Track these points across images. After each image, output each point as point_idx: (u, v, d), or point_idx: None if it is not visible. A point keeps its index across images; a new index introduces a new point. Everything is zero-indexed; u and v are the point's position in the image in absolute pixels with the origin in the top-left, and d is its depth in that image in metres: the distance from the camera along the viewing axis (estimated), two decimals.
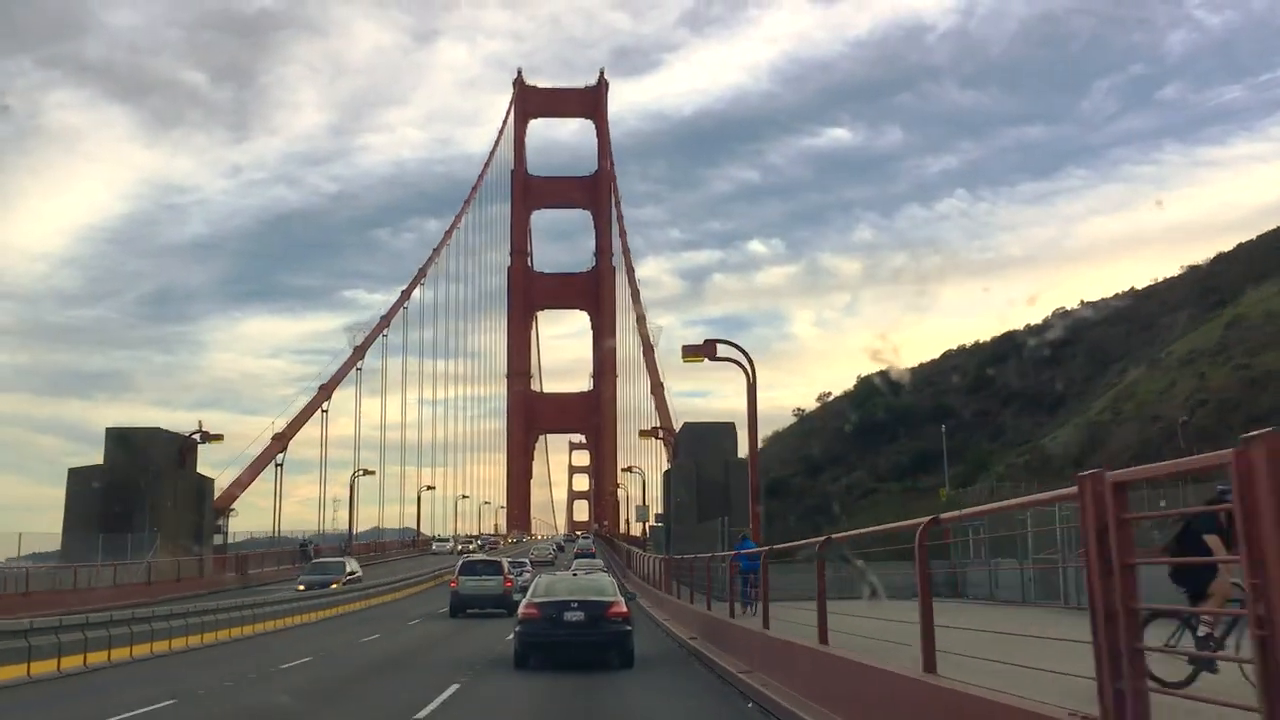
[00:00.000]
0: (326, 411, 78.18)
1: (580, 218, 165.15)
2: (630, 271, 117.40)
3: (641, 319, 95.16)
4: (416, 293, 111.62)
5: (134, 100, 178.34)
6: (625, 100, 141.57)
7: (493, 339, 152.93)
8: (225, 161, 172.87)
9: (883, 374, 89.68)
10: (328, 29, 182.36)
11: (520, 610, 19.18)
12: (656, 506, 60.01)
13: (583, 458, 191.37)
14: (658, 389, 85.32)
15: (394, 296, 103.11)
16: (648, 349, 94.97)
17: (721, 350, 28.63)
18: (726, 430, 53.94)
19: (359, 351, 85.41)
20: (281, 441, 72.54)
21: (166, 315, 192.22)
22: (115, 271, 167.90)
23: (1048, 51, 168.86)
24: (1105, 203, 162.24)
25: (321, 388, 79.89)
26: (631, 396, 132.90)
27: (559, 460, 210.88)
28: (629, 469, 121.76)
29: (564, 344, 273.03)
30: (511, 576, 36.71)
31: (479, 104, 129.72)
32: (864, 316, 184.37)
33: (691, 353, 28.64)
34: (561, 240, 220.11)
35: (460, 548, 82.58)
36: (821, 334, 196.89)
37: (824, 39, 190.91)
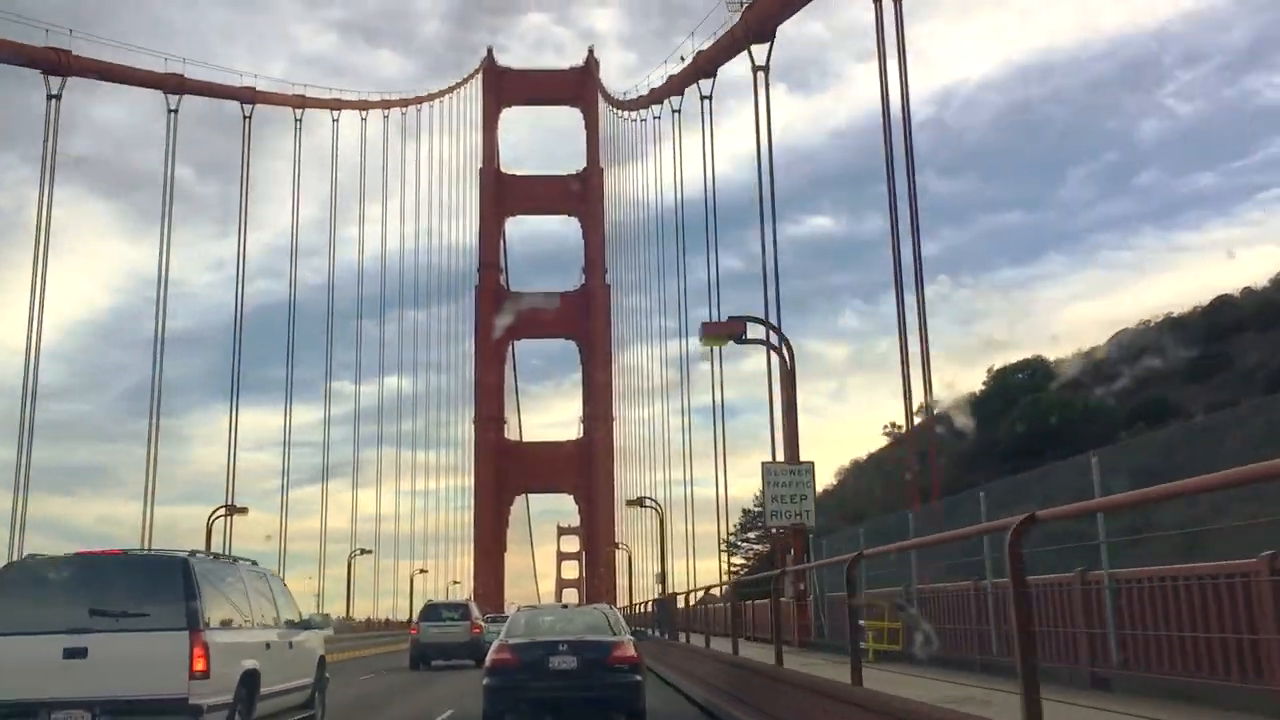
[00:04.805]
0: None
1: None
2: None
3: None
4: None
5: (120, 195, 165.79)
6: (610, 188, 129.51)
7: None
8: (210, 255, 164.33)
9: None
10: (315, 124, 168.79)
11: (491, 656, 14.02)
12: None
13: (571, 543, 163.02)
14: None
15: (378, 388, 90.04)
16: None
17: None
18: None
19: None
20: None
21: (156, 409, 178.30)
22: (100, 365, 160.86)
23: (1023, 140, 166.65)
24: (1087, 288, 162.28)
25: None
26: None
27: (546, 552, 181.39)
28: (616, 546, 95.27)
29: (549, 433, 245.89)
30: (481, 622, 32.64)
31: (464, 196, 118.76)
32: (852, 404, 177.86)
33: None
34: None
35: None
36: (809, 420, 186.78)
37: (803, 129, 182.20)
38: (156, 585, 10.49)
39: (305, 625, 13.70)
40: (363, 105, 79.07)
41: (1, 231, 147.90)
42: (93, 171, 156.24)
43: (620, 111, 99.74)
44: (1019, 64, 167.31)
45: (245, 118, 57.04)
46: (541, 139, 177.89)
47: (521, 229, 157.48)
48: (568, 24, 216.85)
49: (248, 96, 59.58)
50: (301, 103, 67.19)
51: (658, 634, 29.36)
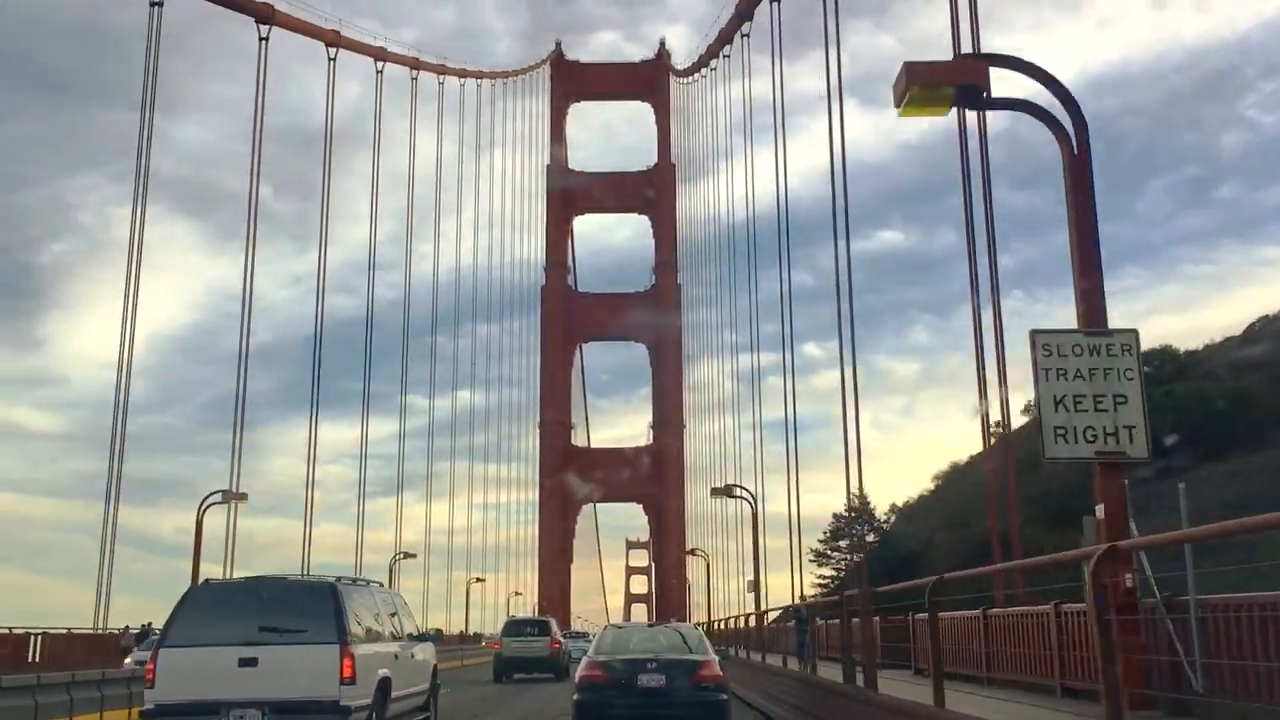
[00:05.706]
0: None
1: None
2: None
3: None
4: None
5: (200, 213, 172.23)
6: (680, 206, 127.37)
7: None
8: (287, 271, 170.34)
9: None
10: (387, 142, 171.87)
11: (580, 672, 14.66)
12: None
13: (640, 558, 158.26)
14: None
15: (448, 401, 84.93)
16: None
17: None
18: None
19: None
20: None
21: (230, 422, 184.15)
22: (182, 379, 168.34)
23: (1100, 152, 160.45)
24: (1165, 302, 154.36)
25: None
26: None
27: (614, 567, 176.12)
28: (692, 552, 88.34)
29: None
30: (560, 638, 34.73)
31: (532, 211, 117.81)
32: (920, 418, 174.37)
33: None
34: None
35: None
36: (878, 436, 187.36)
37: (873, 144, 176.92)
38: (311, 605, 12.31)
39: (422, 638, 15.72)
40: (415, 63, 68.66)
41: (89, 252, 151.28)
42: (177, 190, 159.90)
43: (683, 79, 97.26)
44: (1096, 75, 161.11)
45: (262, 39, 48.73)
46: (609, 150, 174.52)
47: (588, 242, 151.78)
48: (638, 40, 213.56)
49: (263, 14, 50.92)
50: (335, 40, 57.20)
51: (801, 666, 17.81)
